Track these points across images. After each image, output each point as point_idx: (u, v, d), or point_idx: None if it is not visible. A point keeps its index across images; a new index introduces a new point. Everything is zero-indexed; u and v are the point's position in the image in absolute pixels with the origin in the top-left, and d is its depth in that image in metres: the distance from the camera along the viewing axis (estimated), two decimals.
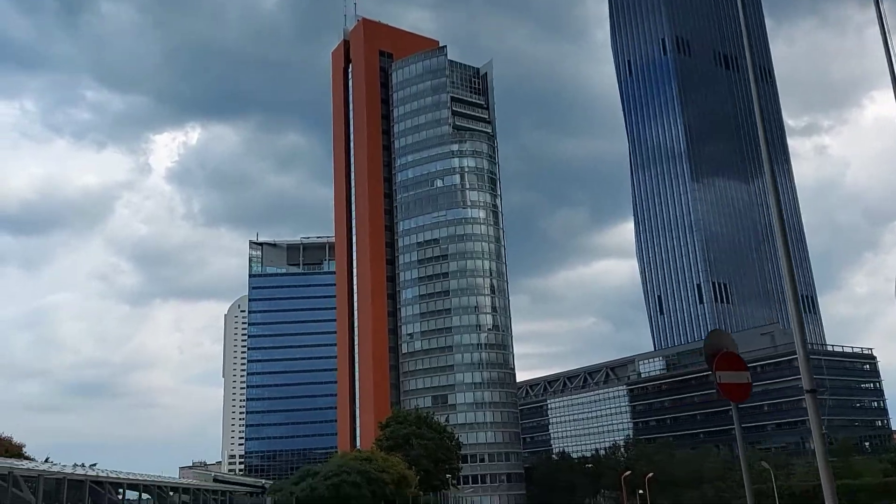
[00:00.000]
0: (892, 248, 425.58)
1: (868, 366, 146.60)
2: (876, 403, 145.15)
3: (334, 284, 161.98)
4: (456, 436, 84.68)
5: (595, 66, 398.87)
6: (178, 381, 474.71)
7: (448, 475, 74.96)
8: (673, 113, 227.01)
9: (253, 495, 67.02)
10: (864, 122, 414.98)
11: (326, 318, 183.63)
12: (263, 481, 77.73)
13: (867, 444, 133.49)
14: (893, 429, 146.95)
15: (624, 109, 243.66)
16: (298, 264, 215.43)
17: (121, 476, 40.93)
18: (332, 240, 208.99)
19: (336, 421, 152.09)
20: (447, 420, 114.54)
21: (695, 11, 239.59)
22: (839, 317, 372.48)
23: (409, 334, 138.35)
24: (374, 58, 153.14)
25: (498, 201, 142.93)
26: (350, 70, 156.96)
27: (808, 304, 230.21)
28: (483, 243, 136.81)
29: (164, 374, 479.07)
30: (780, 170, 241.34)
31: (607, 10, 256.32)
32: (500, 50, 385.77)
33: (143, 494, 43.68)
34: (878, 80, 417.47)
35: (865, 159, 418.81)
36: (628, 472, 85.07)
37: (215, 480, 69.83)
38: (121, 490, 40.78)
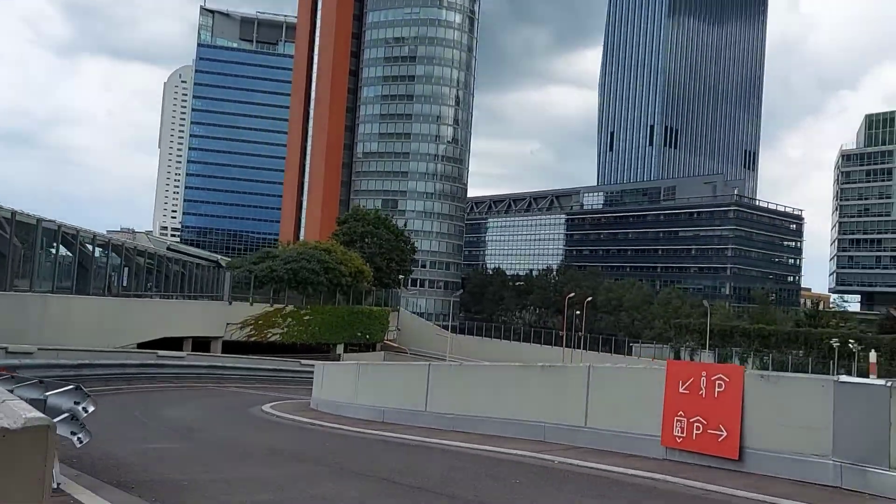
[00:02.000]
0: (834, 116, 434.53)
1: (794, 225, 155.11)
2: (793, 261, 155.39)
3: (290, 69, 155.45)
4: (412, 241, 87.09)
5: None
6: (106, 144, 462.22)
7: (401, 276, 78.00)
8: None
9: (208, 270, 68.25)
10: None
11: (278, 103, 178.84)
12: (219, 256, 79.01)
13: (773, 296, 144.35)
14: (802, 286, 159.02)
15: None
16: (252, 41, 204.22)
17: (88, 231, 40.41)
18: (291, 19, 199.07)
19: (280, 209, 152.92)
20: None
21: None
22: (770, 174, 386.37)
23: (367, 134, 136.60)
24: None
25: (476, 7, 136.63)
26: None
27: (749, 159, 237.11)
28: (455, 51, 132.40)
29: (91, 133, 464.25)
30: (755, 20, 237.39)
31: None
32: None
33: (110, 253, 43.57)
34: None
35: (832, 24, 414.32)
36: (572, 294, 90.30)
37: (169, 249, 70.45)
38: (88, 245, 40.59)
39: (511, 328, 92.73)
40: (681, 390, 9.69)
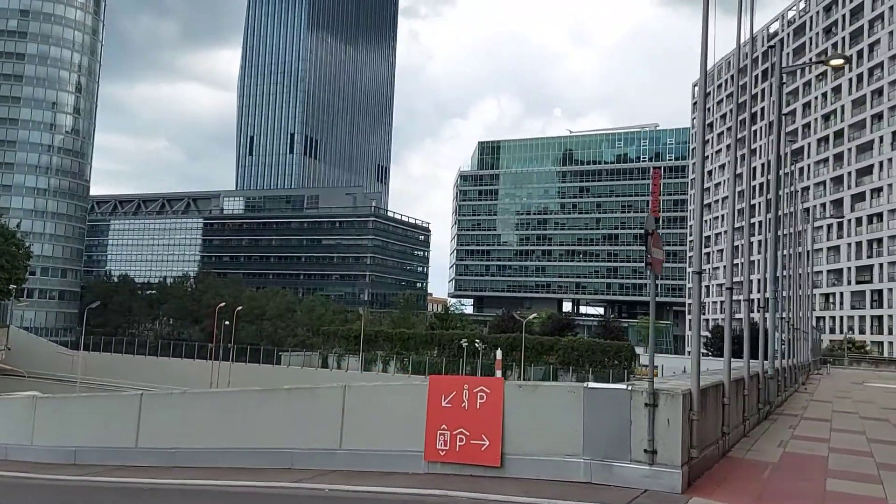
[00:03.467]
0: (447, 141, 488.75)
1: (423, 236, 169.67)
2: (421, 269, 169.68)
3: None
4: (28, 244, 74.19)
5: None
6: None
7: (11, 286, 65.72)
8: None
9: None
10: (453, 21, 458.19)
11: None
12: None
13: (407, 301, 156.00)
14: (428, 292, 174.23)
15: None
16: None
17: None
18: None
19: None
20: None
21: None
22: (397, 188, 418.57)
23: None
24: None
25: None
26: None
27: (381, 174, 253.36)
28: (77, 32, 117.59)
29: None
30: (386, 44, 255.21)
31: None
32: None
33: None
34: None
35: (446, 56, 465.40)
36: (223, 304, 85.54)
37: None
38: None
39: (147, 342, 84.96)
40: (443, 404, 9.41)
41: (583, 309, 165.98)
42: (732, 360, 11.62)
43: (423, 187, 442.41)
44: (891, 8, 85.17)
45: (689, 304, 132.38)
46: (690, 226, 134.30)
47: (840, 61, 27.44)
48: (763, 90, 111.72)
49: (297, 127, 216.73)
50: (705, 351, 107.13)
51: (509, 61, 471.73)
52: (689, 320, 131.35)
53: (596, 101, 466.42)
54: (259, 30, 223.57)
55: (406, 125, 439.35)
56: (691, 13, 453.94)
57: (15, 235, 70.81)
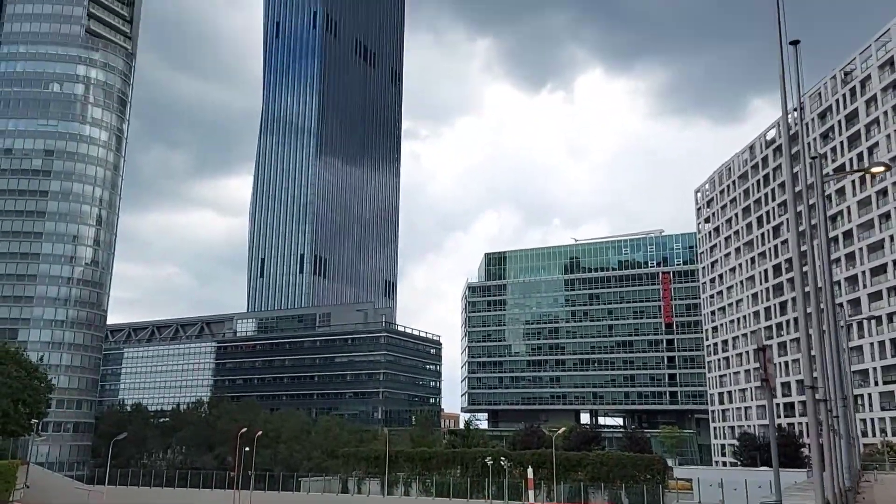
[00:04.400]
0: (450, 254, 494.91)
1: (434, 350, 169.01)
2: (434, 383, 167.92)
3: None
4: (50, 378, 74.38)
5: (245, 13, 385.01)
6: None
7: (33, 420, 65.38)
8: (311, 87, 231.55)
9: None
10: (452, 142, 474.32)
11: None
12: None
13: (424, 419, 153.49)
14: (441, 408, 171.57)
15: (265, 69, 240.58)
16: None
17: None
18: None
19: None
20: None
21: None
22: (401, 304, 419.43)
23: None
24: None
25: (125, 126, 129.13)
26: None
27: (388, 289, 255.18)
28: (99, 168, 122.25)
29: None
30: (392, 166, 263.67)
31: None
32: None
33: None
34: (469, 108, 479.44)
35: (446, 173, 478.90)
36: (244, 429, 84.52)
37: None
38: None
39: (164, 473, 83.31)
40: None
41: (602, 420, 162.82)
42: (785, 469, 11.49)
43: (427, 301, 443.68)
44: (885, 113, 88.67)
45: (712, 412, 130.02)
46: (706, 330, 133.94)
47: (881, 168, 28.56)
48: (766, 194, 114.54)
49: (306, 247, 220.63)
50: (734, 460, 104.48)
51: (507, 175, 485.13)
52: (714, 428, 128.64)
53: (594, 209, 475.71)
54: (270, 157, 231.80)
55: (409, 241, 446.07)
56: (681, 125, 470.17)
57: (38, 369, 71.14)
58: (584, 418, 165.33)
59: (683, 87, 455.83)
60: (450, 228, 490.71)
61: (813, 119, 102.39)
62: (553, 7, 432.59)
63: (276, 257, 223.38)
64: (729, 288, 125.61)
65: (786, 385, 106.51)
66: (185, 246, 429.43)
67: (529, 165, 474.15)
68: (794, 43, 22.00)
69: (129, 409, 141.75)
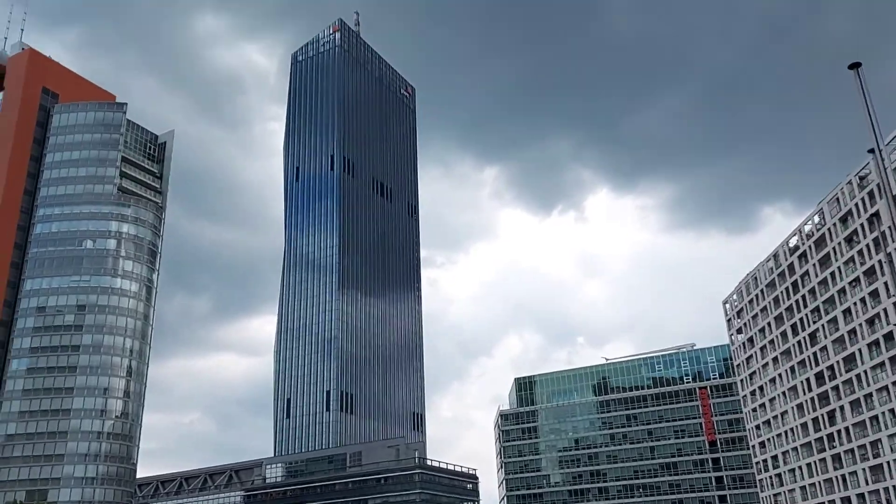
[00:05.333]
0: (475, 380, 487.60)
1: (470, 485, 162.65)
2: None
3: None
4: None
5: (265, 162, 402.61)
6: None
7: None
8: (331, 226, 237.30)
9: None
10: (468, 267, 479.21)
11: None
12: None
13: None
14: None
15: (286, 212, 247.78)
16: None
17: None
18: None
19: None
20: None
21: (362, 138, 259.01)
22: (430, 435, 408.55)
23: (10, 413, 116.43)
24: (35, 92, 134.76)
25: (155, 277, 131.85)
26: (0, 97, 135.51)
27: (417, 421, 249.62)
28: (129, 319, 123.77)
29: None
30: (412, 295, 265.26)
31: (285, 114, 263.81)
32: (179, 127, 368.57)
33: None
34: (482, 234, 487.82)
35: (465, 299, 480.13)
36: None
37: None
38: None
39: None
40: None
41: None
42: None
43: (456, 431, 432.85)
44: None
45: None
46: (753, 446, 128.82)
47: None
48: (797, 301, 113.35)
49: (332, 384, 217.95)
50: None
51: (526, 297, 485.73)
52: None
53: (617, 326, 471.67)
54: (293, 296, 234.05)
55: (433, 370, 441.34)
56: (695, 237, 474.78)
57: None
58: None
59: (692, 201, 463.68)
60: (473, 354, 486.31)
61: (835, 224, 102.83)
62: (555, 135, 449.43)
63: (303, 396, 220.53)
64: (771, 400, 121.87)
65: (845, 501, 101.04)
66: (207, 390, 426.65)
67: (547, 285, 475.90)
68: (855, 66, 22.56)
69: None
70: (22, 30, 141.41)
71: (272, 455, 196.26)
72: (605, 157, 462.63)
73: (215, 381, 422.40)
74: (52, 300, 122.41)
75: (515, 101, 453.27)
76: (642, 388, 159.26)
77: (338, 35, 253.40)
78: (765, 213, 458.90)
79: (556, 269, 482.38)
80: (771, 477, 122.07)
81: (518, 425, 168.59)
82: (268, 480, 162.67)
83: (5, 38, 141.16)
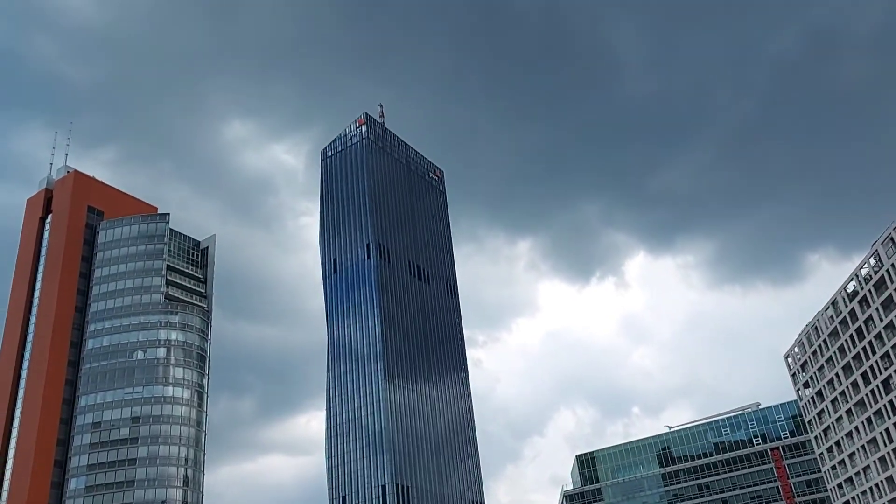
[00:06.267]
0: (531, 461, 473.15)
1: None
2: None
3: None
4: None
5: (299, 256, 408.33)
6: None
7: None
8: (371, 313, 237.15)
9: None
10: (511, 343, 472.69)
11: None
12: None
13: None
14: None
15: (326, 305, 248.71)
16: None
17: None
18: None
19: None
20: None
21: (395, 223, 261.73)
22: None
23: None
24: (81, 212, 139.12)
25: (205, 381, 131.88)
26: (49, 220, 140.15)
27: None
28: (183, 427, 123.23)
29: None
30: (459, 377, 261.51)
31: (317, 208, 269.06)
32: (218, 231, 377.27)
33: None
34: (522, 308, 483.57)
35: (511, 376, 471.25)
36: None
37: None
38: None
39: None
40: None
41: None
42: None
43: None
44: None
45: None
46: None
47: None
48: (864, 348, 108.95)
49: (386, 478, 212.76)
50: None
51: (574, 370, 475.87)
52: None
53: (672, 391, 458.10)
54: (339, 390, 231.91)
55: (485, 454, 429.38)
56: (742, 291, 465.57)
57: None
58: None
59: (733, 255, 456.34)
60: (525, 434, 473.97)
61: (893, 264, 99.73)
62: (583, 199, 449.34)
63: (358, 493, 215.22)
64: (851, 455, 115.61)
65: None
66: (257, 495, 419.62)
67: (595, 355, 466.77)
68: None
69: None
70: (66, 154, 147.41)
71: None
72: (637, 217, 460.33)
73: (264, 485, 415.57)
74: (106, 414, 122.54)
75: (541, 170, 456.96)
76: (709, 454, 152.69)
77: (364, 128, 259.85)
78: (810, 262, 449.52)
79: (602, 338, 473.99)
80: None
81: None
82: None
83: (51, 164, 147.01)
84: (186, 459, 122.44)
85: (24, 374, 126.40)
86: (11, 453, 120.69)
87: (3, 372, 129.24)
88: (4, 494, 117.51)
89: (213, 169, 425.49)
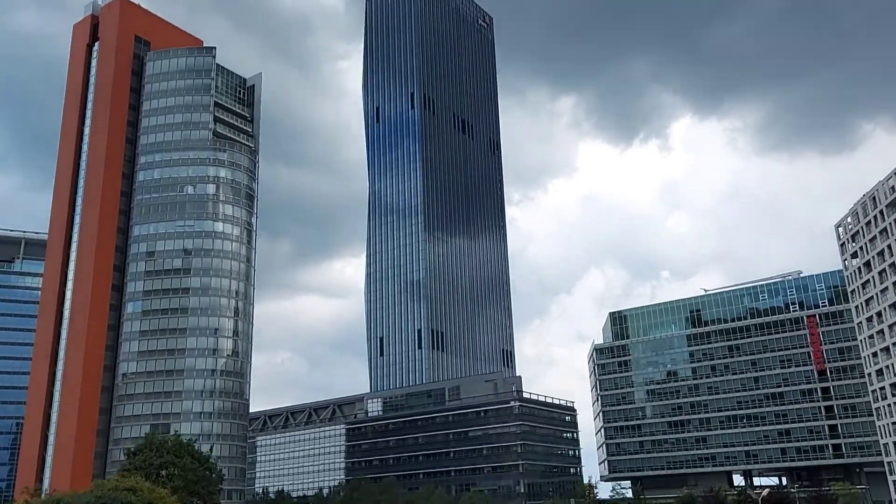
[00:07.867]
0: (557, 318, 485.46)
1: (569, 416, 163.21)
2: (572, 452, 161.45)
3: (29, 288, 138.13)
4: (220, 469, 75.38)
5: (335, 103, 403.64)
6: None
7: None
8: (414, 166, 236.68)
9: None
10: (547, 204, 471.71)
11: (17, 325, 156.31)
12: None
13: (551, 490, 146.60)
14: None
15: (368, 155, 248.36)
16: None
17: None
18: (28, 234, 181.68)
19: (17, 448, 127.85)
20: None
21: (441, 73, 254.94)
22: (518, 372, 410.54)
23: (131, 353, 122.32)
24: (129, 41, 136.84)
25: (254, 220, 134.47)
26: (96, 48, 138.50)
27: (507, 358, 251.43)
28: (233, 262, 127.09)
29: None
30: (497, 233, 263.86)
31: (362, 55, 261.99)
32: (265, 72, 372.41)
33: None
34: (560, 169, 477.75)
35: (543, 237, 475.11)
36: None
37: None
38: None
39: None
40: None
41: (756, 480, 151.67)
42: None
43: (540, 368, 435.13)
44: None
45: (888, 463, 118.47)
46: (869, 374, 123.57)
47: None
48: None
49: (422, 323, 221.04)
50: None
51: (608, 232, 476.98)
52: (894, 482, 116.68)
53: (704, 258, 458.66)
54: (379, 239, 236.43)
55: (516, 308, 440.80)
56: (788, 159, 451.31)
57: (209, 459, 72.11)
58: (737, 480, 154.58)
59: (783, 120, 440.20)
60: (554, 292, 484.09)
61: None
62: (631, 53, 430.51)
63: (395, 335, 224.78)
64: (891, 326, 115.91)
65: None
66: (295, 331, 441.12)
67: (630, 219, 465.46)
68: None
69: (272, 496, 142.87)
70: None
71: (367, 391, 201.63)
72: (687, 76, 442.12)
73: (302, 323, 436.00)
74: (159, 245, 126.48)
75: (590, 22, 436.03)
76: (743, 318, 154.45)
77: None
78: (864, 130, 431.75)
79: (639, 203, 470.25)
80: (890, 405, 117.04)
81: (614, 359, 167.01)
82: (369, 414, 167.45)
83: None
84: (237, 292, 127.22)
85: (78, 200, 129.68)
86: (71, 274, 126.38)
87: (58, 198, 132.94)
88: (66, 312, 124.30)
89: (251, 2, 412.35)
